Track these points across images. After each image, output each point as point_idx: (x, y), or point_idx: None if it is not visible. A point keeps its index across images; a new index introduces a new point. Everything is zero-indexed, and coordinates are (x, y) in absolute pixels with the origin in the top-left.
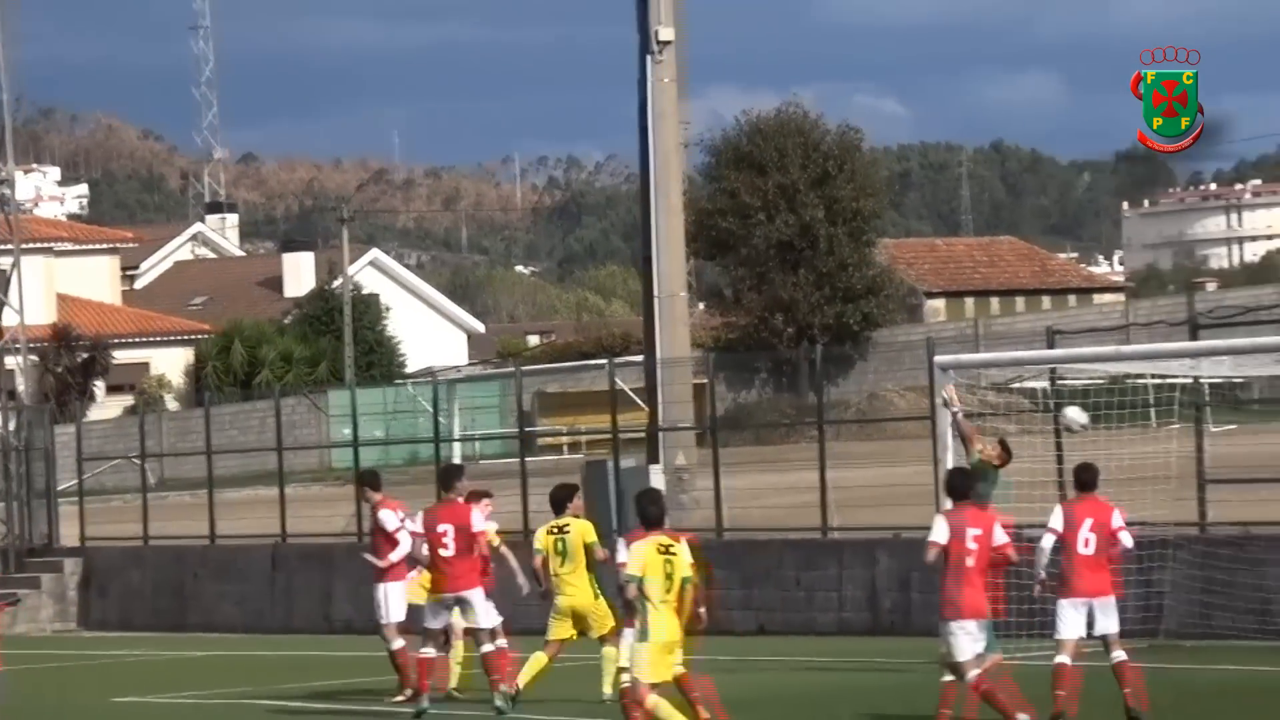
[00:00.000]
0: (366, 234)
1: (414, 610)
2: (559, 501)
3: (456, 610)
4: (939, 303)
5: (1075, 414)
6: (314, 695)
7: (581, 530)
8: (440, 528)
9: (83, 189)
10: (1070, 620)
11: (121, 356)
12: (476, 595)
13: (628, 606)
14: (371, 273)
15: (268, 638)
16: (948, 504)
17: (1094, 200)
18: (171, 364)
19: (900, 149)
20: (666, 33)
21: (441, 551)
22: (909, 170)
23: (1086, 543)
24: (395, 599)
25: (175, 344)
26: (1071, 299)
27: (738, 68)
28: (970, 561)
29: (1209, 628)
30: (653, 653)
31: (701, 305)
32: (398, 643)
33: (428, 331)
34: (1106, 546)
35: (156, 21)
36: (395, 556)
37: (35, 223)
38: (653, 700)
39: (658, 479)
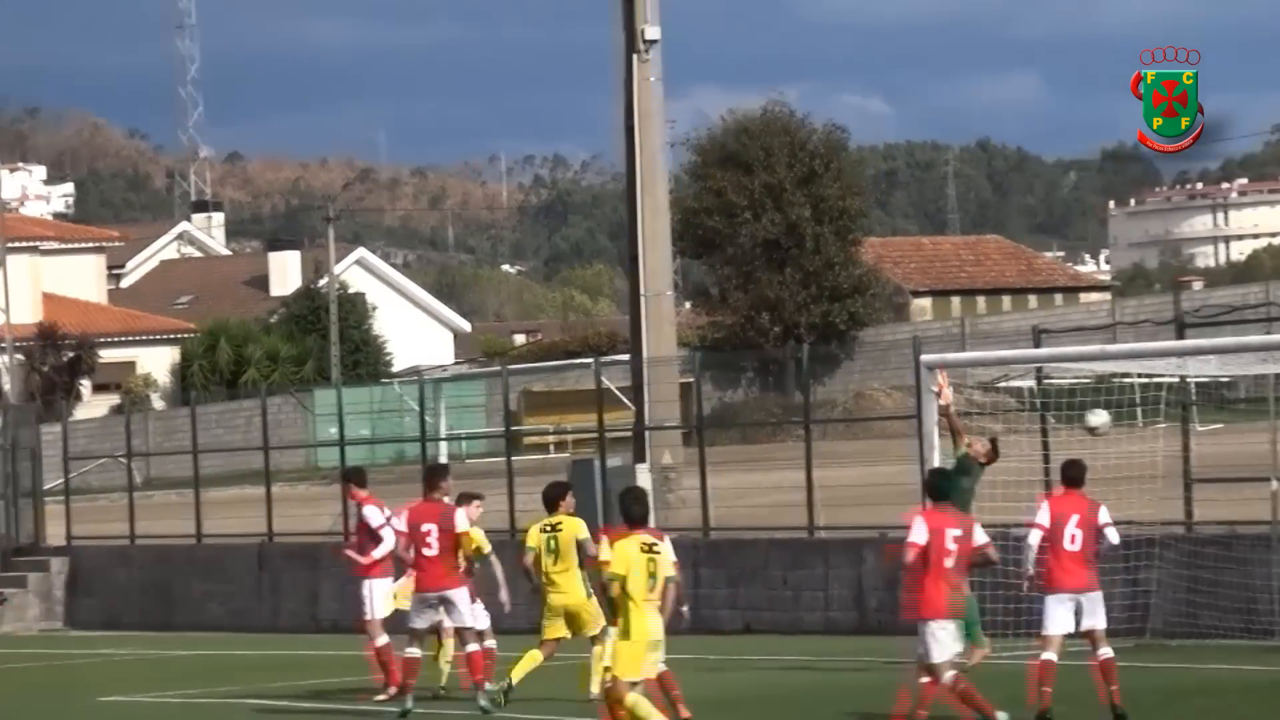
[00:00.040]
0: (352, 233)
1: (400, 611)
2: (551, 499)
3: (443, 610)
4: (925, 302)
5: (1095, 418)
6: (300, 694)
7: (573, 529)
8: (424, 527)
9: (68, 188)
10: (1057, 616)
11: (107, 355)
12: (460, 595)
13: (610, 604)
14: (357, 271)
15: (254, 637)
16: (927, 504)
17: (1080, 199)
18: (157, 363)
19: (886, 148)
20: (653, 32)
21: (425, 551)
22: (895, 169)
23: (1073, 538)
24: (380, 596)
25: (161, 343)
26: (1058, 298)
27: (722, 67)
28: (950, 562)
29: (1195, 627)
30: (634, 651)
31: (688, 304)
32: (382, 639)
33: (414, 330)
34: (1092, 542)
35: (142, 21)
36: (379, 554)
37: (21, 221)
38: (632, 698)
39: (644, 478)
